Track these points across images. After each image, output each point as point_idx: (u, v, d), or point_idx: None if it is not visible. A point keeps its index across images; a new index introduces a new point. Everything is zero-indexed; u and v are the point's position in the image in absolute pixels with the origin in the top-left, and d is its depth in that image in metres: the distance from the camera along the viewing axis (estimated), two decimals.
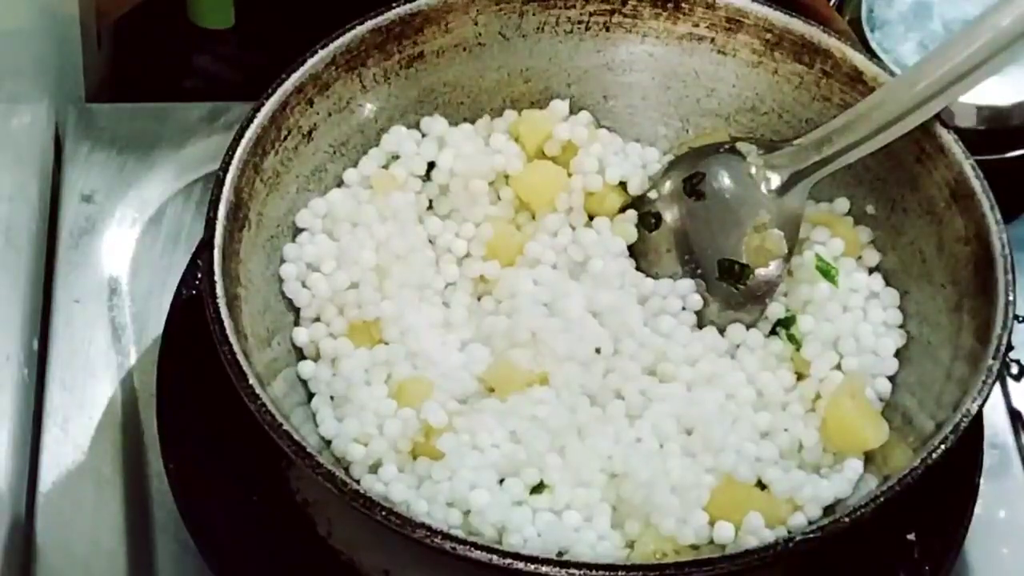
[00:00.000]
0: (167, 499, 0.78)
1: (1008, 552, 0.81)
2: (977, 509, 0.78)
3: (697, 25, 0.84)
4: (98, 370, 0.85)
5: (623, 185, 0.83)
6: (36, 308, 0.87)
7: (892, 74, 0.81)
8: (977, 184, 0.77)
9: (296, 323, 0.78)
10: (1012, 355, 0.88)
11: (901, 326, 0.79)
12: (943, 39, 0.91)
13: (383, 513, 0.66)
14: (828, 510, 0.73)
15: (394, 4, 0.81)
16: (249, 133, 0.76)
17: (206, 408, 0.77)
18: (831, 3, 0.95)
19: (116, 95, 1.02)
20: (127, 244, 0.91)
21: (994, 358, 0.71)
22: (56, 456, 0.82)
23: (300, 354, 0.78)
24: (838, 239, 0.81)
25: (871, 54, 0.86)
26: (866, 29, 0.93)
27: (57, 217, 0.91)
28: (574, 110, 0.85)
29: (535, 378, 0.76)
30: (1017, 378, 0.86)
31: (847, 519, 0.68)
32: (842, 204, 0.83)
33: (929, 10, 0.93)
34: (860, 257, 0.81)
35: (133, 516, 0.80)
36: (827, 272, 0.79)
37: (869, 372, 0.78)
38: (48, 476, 0.81)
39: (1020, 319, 0.83)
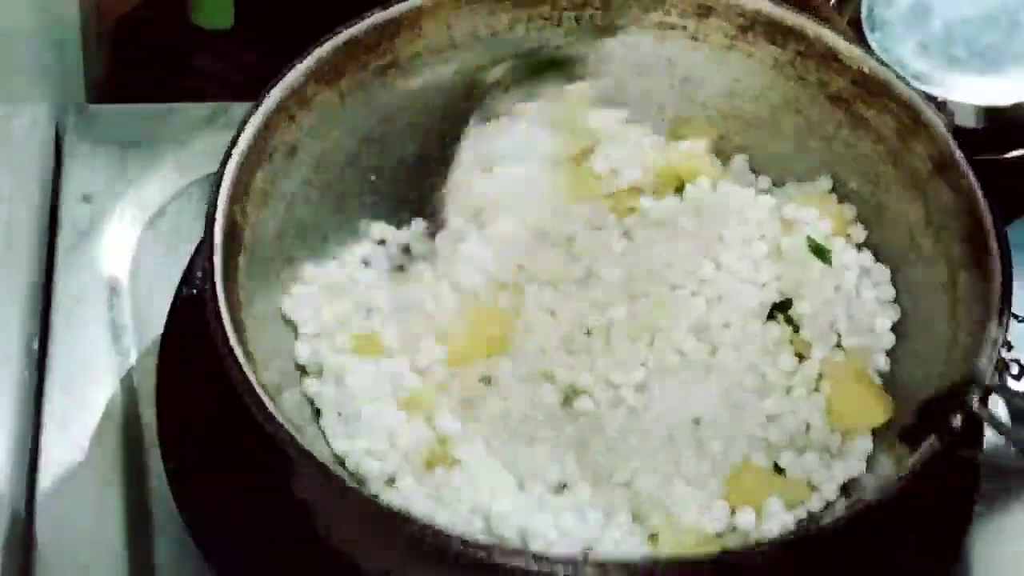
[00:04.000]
0: (167, 499, 0.78)
1: (1008, 552, 0.82)
2: (977, 509, 0.78)
3: (668, 13, 0.84)
4: (98, 370, 0.85)
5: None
6: (36, 308, 0.87)
7: (872, 54, 0.82)
8: (960, 156, 0.77)
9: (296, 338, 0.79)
10: (1012, 355, 0.88)
11: (895, 301, 0.80)
12: (943, 39, 0.91)
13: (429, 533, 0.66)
14: (843, 489, 0.74)
15: (366, 14, 0.81)
16: (236, 156, 0.75)
17: (206, 408, 0.77)
18: (831, 3, 0.95)
19: (116, 95, 1.02)
20: (127, 244, 0.91)
21: (998, 326, 0.72)
22: (56, 456, 0.82)
23: (303, 371, 0.78)
24: (826, 219, 0.81)
25: (871, 54, 0.86)
26: (866, 29, 0.93)
27: (57, 217, 0.91)
28: None
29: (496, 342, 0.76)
30: (1017, 378, 0.85)
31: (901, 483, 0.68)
32: (824, 182, 0.83)
33: (929, 10, 0.93)
34: (848, 235, 0.82)
35: (133, 516, 0.80)
36: (820, 251, 0.80)
37: (868, 348, 0.78)
38: (48, 476, 0.81)
39: (1020, 319, 0.83)
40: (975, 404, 0.69)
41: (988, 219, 0.75)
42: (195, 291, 0.81)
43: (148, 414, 0.82)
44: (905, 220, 0.80)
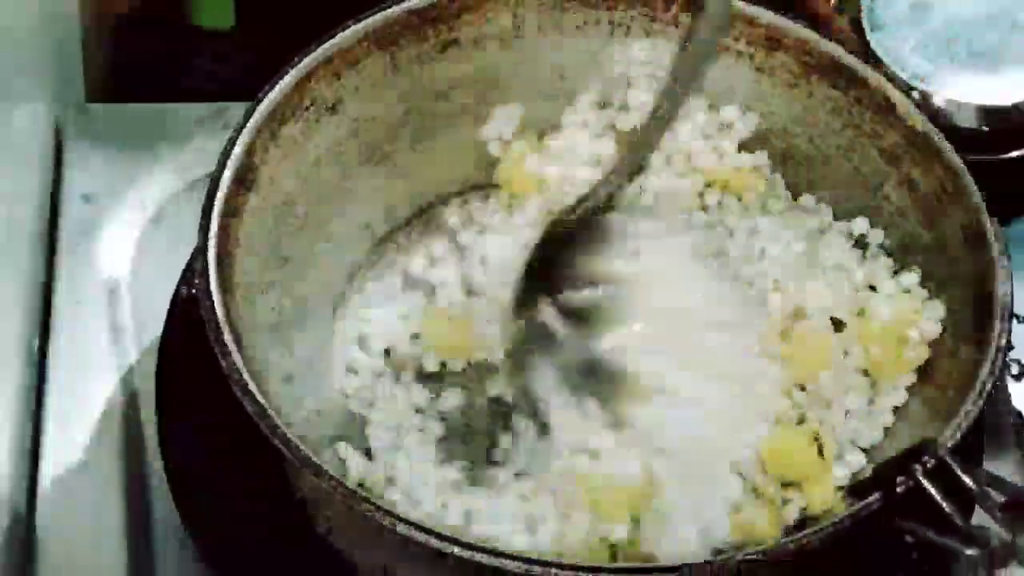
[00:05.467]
0: (167, 499, 0.78)
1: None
2: (977, 508, 0.78)
3: (737, 40, 0.83)
4: (98, 370, 0.85)
5: None
6: (36, 308, 0.87)
7: (918, 105, 0.81)
8: (991, 229, 0.76)
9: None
10: (1012, 355, 0.88)
11: None
12: (943, 39, 0.91)
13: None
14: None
15: None
16: (267, 100, 0.76)
17: (206, 407, 0.77)
18: (831, 3, 0.95)
19: (116, 95, 1.02)
20: (127, 244, 0.91)
21: (974, 402, 0.71)
22: (56, 456, 0.82)
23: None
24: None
25: (871, 54, 0.86)
26: (866, 29, 0.93)
27: (57, 217, 0.91)
28: (601, 106, 0.85)
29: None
30: (1017, 378, 0.86)
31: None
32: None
33: (929, 10, 0.93)
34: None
35: (133, 516, 0.80)
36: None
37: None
38: (48, 476, 0.81)
39: (1020, 319, 0.83)
40: (922, 474, 0.67)
41: (999, 299, 0.74)
42: (194, 290, 0.81)
43: (148, 414, 0.82)
44: (929, 279, 0.79)
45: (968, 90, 0.90)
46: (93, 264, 0.90)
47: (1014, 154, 0.92)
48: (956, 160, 0.78)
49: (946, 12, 0.93)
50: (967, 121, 0.89)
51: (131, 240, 0.91)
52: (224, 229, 0.73)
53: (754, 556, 0.67)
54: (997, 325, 0.73)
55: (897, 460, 0.69)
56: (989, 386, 0.71)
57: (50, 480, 0.81)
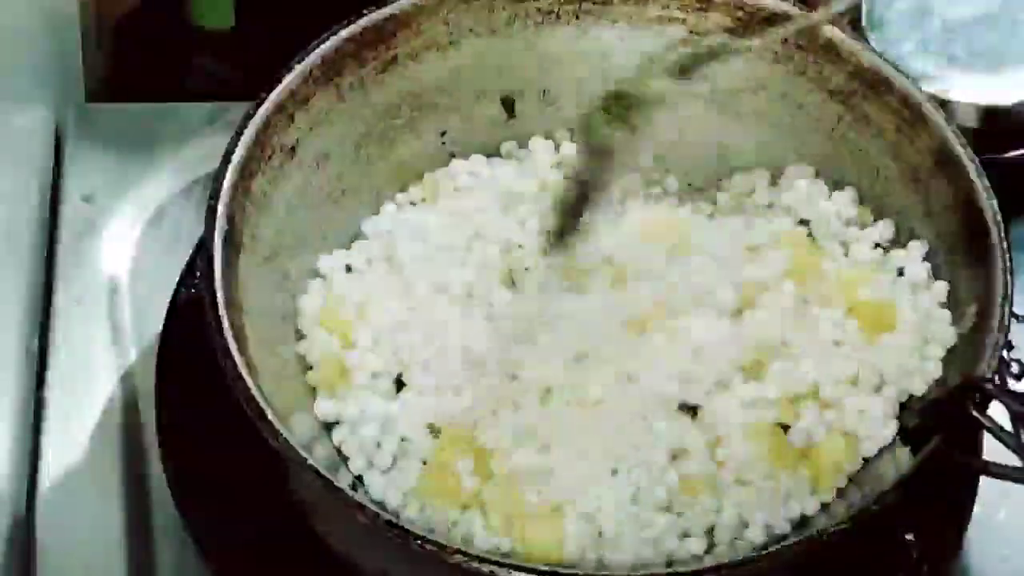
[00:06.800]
0: (167, 499, 0.78)
1: (1008, 552, 0.81)
2: (977, 509, 0.78)
3: (667, 7, 0.84)
4: (98, 370, 0.85)
5: None
6: (36, 308, 0.88)
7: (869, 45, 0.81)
8: (960, 150, 0.77)
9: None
10: (1012, 355, 0.88)
11: None
12: (943, 39, 0.91)
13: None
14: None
15: (366, 11, 0.81)
16: (236, 158, 0.75)
17: (206, 408, 0.77)
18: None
19: (116, 95, 1.02)
20: (127, 244, 0.91)
21: (998, 329, 0.71)
22: (56, 456, 0.82)
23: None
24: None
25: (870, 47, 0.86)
26: (866, 29, 0.93)
27: (57, 217, 0.91)
28: (548, 100, 0.85)
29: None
30: (1017, 378, 0.86)
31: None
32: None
33: (929, 10, 0.93)
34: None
35: (133, 516, 0.80)
36: None
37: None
38: (48, 476, 0.81)
39: (1020, 318, 0.83)
40: (973, 409, 0.68)
41: (989, 212, 0.75)
42: (194, 291, 0.81)
43: (148, 414, 0.82)
44: (906, 215, 0.80)
45: (968, 90, 0.90)
46: (93, 264, 0.90)
47: (1014, 154, 0.92)
48: (908, 86, 0.79)
49: (946, 12, 0.93)
50: (967, 121, 0.89)
51: (131, 240, 0.91)
52: (228, 296, 0.72)
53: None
54: (995, 238, 0.73)
55: (945, 399, 0.70)
56: (1007, 310, 0.71)
57: (50, 480, 0.81)
